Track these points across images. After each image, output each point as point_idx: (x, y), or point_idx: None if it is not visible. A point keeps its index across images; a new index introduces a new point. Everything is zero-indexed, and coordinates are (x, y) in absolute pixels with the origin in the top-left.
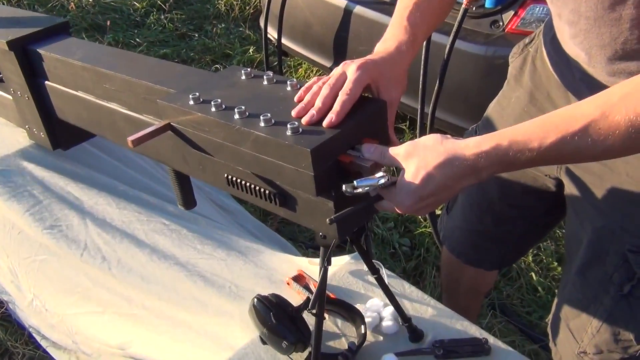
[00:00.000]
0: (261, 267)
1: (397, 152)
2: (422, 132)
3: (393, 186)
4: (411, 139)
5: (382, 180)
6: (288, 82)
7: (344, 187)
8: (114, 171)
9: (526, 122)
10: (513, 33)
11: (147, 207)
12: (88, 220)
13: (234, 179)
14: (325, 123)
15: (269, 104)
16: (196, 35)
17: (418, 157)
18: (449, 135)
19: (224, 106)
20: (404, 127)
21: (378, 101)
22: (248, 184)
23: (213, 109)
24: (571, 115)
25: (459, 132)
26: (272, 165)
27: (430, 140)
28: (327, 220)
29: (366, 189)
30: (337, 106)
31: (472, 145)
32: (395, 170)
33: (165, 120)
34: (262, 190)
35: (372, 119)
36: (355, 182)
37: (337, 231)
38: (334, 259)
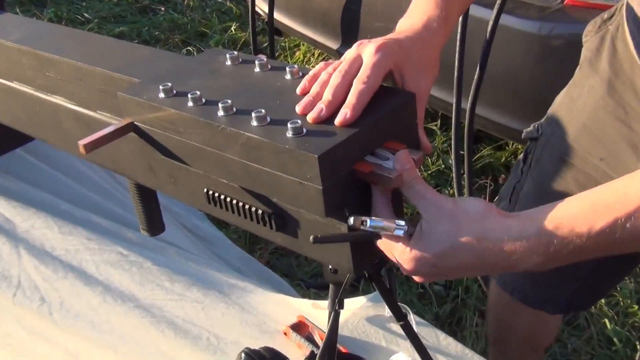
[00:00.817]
0: (249, 311)
1: (432, 199)
2: (458, 134)
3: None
4: (444, 142)
5: (399, 232)
6: (287, 69)
7: (351, 219)
8: (56, 186)
9: (571, 202)
10: (574, 6)
11: (98, 233)
12: (22, 249)
13: (217, 194)
14: (337, 121)
15: (262, 97)
16: (162, 8)
17: (452, 222)
18: (494, 207)
19: (204, 100)
20: (435, 128)
21: (404, 93)
22: (235, 202)
23: (190, 104)
24: (625, 193)
25: (505, 134)
26: (267, 176)
27: (473, 207)
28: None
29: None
30: (352, 98)
31: (514, 233)
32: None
33: (128, 118)
34: (253, 209)
35: (396, 115)
36: (368, 219)
37: (352, 263)
38: (346, 301)
